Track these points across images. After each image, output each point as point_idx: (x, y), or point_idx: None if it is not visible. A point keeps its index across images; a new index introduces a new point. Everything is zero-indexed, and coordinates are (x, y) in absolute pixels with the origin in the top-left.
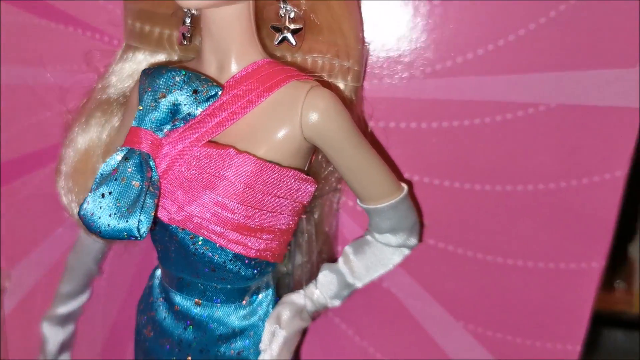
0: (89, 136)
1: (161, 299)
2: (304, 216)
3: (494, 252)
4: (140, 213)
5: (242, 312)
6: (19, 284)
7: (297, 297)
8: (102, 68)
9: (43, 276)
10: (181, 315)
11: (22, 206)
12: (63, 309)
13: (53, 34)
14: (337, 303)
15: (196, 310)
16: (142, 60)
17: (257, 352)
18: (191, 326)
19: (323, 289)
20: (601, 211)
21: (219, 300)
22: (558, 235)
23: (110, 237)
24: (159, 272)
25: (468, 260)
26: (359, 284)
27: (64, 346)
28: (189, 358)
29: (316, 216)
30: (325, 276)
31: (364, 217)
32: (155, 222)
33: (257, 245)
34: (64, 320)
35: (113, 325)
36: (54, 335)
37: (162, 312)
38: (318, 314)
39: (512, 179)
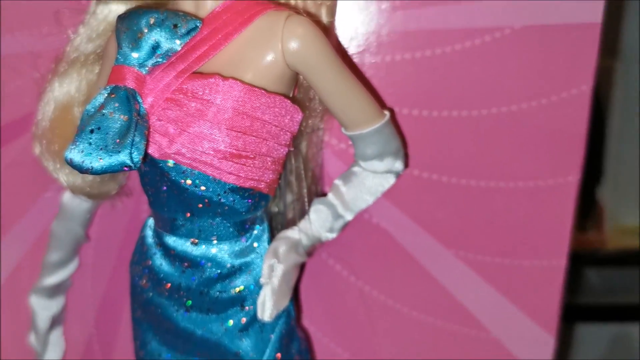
0: (66, 91)
1: (156, 246)
2: (292, 150)
3: (476, 177)
4: (131, 144)
5: (239, 248)
6: (6, 259)
7: (292, 232)
8: (73, 27)
9: (30, 249)
10: (178, 259)
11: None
12: (51, 280)
13: None
14: (330, 236)
15: (193, 252)
16: (115, 14)
17: (258, 288)
18: (189, 268)
19: (316, 222)
20: (572, 126)
21: (215, 237)
22: (533, 154)
23: (103, 171)
24: (150, 221)
25: (451, 186)
26: (350, 216)
27: (55, 320)
28: (189, 302)
29: (303, 153)
30: (317, 210)
31: (348, 155)
32: (146, 158)
33: (250, 174)
34: (52, 292)
35: (104, 294)
36: (43, 309)
37: (158, 259)
38: (314, 248)
39: (485, 103)
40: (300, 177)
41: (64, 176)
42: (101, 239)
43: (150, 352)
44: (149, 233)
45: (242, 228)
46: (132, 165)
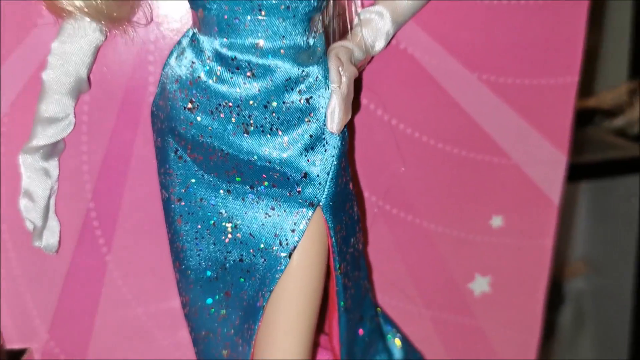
0: None
1: (207, 59)
2: None
3: None
4: None
5: (305, 50)
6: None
7: (346, 43)
8: None
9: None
10: (239, 67)
11: None
12: (46, 138)
13: None
14: (379, 47)
15: (258, 55)
16: None
17: (324, 97)
18: (252, 77)
19: (366, 32)
20: None
21: (282, 38)
22: None
23: None
24: (190, 32)
25: (475, 4)
26: (396, 26)
27: (52, 191)
28: (250, 120)
29: None
30: (367, 20)
31: None
32: None
33: None
34: (47, 154)
35: (104, 160)
36: (40, 174)
37: (213, 72)
38: (364, 62)
39: None
40: None
41: None
42: (97, 95)
43: (193, 194)
44: (194, 46)
45: (308, 28)
46: None
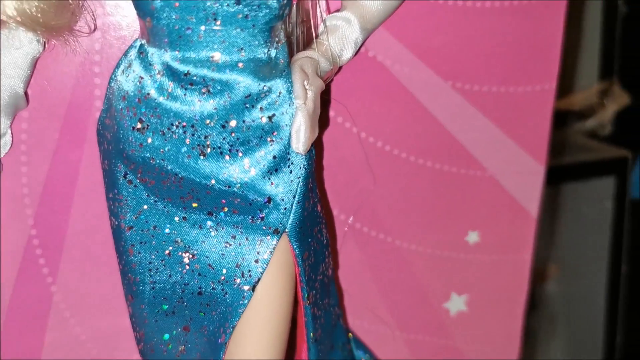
0: None
1: (157, 73)
2: None
3: None
4: None
5: (265, 64)
6: None
7: (311, 52)
8: None
9: None
10: (193, 83)
11: None
12: None
13: None
14: (348, 55)
15: (213, 72)
16: None
17: (289, 114)
18: (208, 93)
19: (333, 40)
20: None
21: (240, 50)
22: None
23: None
24: (137, 43)
25: (447, 8)
26: (365, 34)
27: None
28: (207, 141)
29: None
30: (334, 27)
31: None
32: None
33: None
34: None
35: (46, 182)
36: None
37: (163, 89)
38: (332, 73)
39: None
40: None
41: (11, 4)
42: (38, 111)
43: (145, 222)
44: (142, 59)
45: (269, 38)
46: None
